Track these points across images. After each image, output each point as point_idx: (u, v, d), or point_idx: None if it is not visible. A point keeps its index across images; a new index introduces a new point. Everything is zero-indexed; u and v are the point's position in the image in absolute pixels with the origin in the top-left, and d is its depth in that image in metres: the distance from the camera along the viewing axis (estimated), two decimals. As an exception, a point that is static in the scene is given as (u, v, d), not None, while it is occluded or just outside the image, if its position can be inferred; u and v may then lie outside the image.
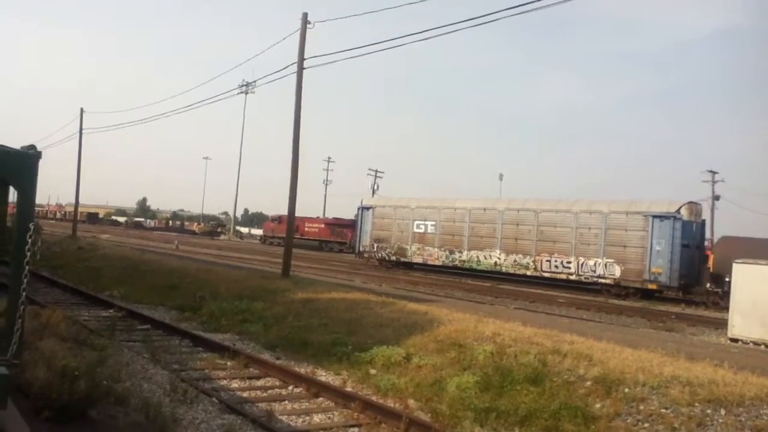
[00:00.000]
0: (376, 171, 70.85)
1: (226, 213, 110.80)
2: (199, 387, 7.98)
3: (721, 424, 6.75)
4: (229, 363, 9.56)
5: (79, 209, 49.07)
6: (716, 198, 57.46)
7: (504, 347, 9.60)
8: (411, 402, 8.00)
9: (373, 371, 9.24)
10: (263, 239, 65.96)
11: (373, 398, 8.13)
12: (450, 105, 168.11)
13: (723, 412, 6.98)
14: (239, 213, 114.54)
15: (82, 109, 39.36)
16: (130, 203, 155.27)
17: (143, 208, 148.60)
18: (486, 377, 8.51)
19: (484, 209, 32.65)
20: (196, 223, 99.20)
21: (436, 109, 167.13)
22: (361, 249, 38.24)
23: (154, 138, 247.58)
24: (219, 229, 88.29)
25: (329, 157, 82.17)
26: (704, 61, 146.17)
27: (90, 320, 12.42)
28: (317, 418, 7.42)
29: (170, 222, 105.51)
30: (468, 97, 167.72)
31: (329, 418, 7.46)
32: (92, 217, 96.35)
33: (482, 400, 7.86)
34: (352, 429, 7.14)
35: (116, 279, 18.83)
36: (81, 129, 39.12)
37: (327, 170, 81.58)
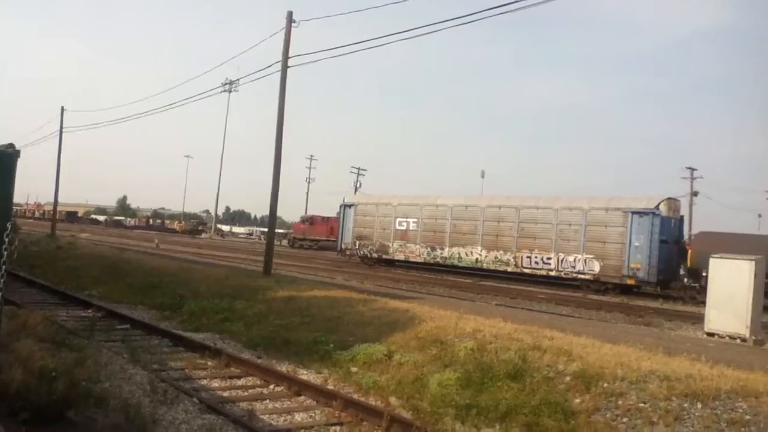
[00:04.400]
0: (359, 169, 70.87)
1: (207, 211, 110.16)
2: (180, 387, 7.94)
3: (697, 418, 6.84)
4: (209, 362, 9.52)
5: (59, 208, 48.41)
6: (695, 194, 58.28)
7: (485, 344, 9.65)
8: (392, 399, 8.02)
9: (354, 369, 9.26)
10: (292, 242, 60.01)
11: (355, 396, 8.15)
12: (434, 103, 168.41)
13: (699, 405, 7.07)
14: (221, 211, 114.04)
15: (63, 108, 38.88)
16: (110, 202, 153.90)
17: (123, 207, 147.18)
18: (467, 374, 8.55)
19: (466, 206, 32.80)
20: (177, 222, 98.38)
21: (420, 107, 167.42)
22: (343, 246, 38.25)
23: (135, 136, 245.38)
24: (200, 228, 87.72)
25: (312, 155, 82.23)
26: (686, 61, 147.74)
27: (68, 320, 12.28)
28: (299, 417, 7.41)
29: (151, 220, 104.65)
30: (453, 95, 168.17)
31: (311, 416, 7.46)
32: (71, 216, 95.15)
33: (463, 396, 7.90)
34: (333, 427, 7.15)
35: (95, 278, 18.65)
36: (61, 127, 38.66)
37: (310, 168, 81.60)
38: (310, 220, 57.62)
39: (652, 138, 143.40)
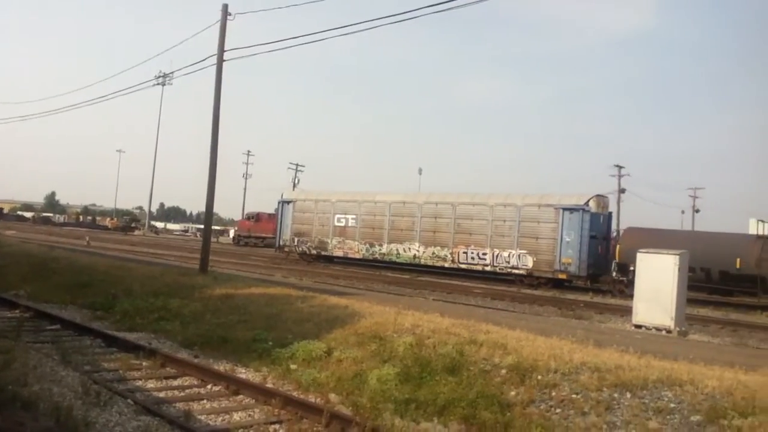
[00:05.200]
0: (297, 165, 70.50)
1: (140, 207, 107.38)
2: (113, 388, 7.72)
3: (626, 407, 7.13)
4: (144, 363, 9.29)
5: (-20, 204, 46.12)
6: (622, 191, 60.66)
7: (423, 339, 9.78)
8: (332, 396, 8.04)
9: (294, 366, 9.22)
10: (237, 239, 58.36)
11: (294, 394, 8.12)
12: (374, 100, 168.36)
13: (628, 395, 7.37)
14: (155, 207, 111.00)
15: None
16: (38, 198, 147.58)
17: (52, 203, 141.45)
18: (406, 369, 8.65)
19: (404, 203, 33.06)
20: (108, 218, 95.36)
21: (360, 104, 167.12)
22: (281, 243, 37.94)
23: (65, 130, 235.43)
24: (133, 224, 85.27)
25: (249, 151, 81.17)
26: (615, 62, 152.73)
27: (-8, 322, 11.74)
28: (237, 416, 7.33)
29: (81, 217, 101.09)
30: (392, 93, 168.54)
31: (250, 415, 7.39)
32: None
33: (402, 391, 8.00)
34: (273, 426, 7.10)
35: (22, 277, 17.85)
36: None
37: (247, 164, 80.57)
38: (255, 217, 56.47)
39: (583, 136, 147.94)
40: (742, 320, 18.86)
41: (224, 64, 18.97)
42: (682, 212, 72.64)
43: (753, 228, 27.25)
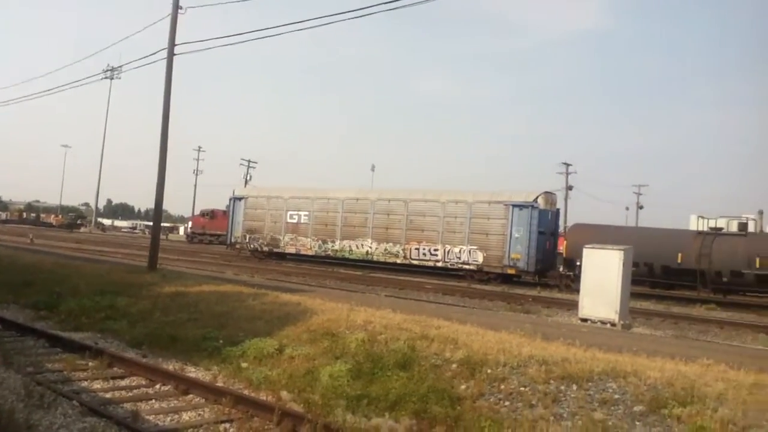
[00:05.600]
0: (249, 161, 69.71)
1: (87, 204, 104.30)
2: (58, 390, 7.52)
3: (573, 399, 7.32)
4: (90, 363, 9.08)
5: None
6: (569, 188, 62.10)
7: (375, 335, 9.84)
8: (284, 394, 8.01)
9: (245, 365, 9.15)
10: (191, 237, 56.84)
11: (245, 392, 8.06)
12: (326, 97, 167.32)
13: (575, 387, 7.57)
14: (102, 204, 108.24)
15: None
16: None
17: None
18: (358, 365, 8.69)
19: (357, 199, 33.09)
20: (53, 215, 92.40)
21: (312, 101, 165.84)
22: (233, 240, 37.54)
23: (6, 124, 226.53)
24: (79, 222, 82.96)
25: (200, 147, 79.87)
26: (563, 61, 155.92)
27: (-73, 323, 11.28)
28: (186, 416, 7.24)
29: (24, 214, 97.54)
30: (344, 90, 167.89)
31: (199, 415, 7.31)
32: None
33: (354, 387, 8.03)
34: (223, 425, 7.04)
35: (-41, 277, 17.18)
36: None
37: (197, 160, 79.31)
38: (210, 214, 55.38)
39: (533, 134, 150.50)
40: (682, 313, 19.53)
41: (175, 58, 18.64)
42: (627, 209, 74.74)
43: (694, 224, 28.19)
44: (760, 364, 8.87)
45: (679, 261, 23.89)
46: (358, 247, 32.44)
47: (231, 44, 25.05)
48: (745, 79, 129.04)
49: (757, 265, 22.13)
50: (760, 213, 33.57)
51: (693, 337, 15.19)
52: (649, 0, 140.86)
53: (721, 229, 25.95)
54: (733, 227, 27.28)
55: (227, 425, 7.03)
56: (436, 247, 29.93)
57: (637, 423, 6.66)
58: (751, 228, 28.09)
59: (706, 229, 25.38)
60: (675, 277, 24.49)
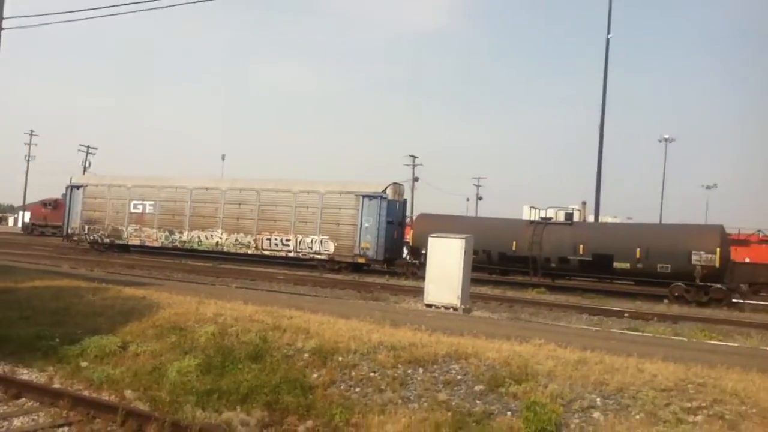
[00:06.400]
0: (88, 147, 65.11)
1: None
2: None
3: (419, 382, 7.72)
4: None
5: None
6: (416, 179, 64.60)
7: (226, 327, 9.71)
8: (128, 392, 7.69)
9: (84, 364, 8.67)
10: (30, 229, 51.70)
11: (85, 393, 7.66)
12: (172, 84, 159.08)
13: (421, 371, 7.98)
14: None
15: None
16: None
17: None
18: (208, 359, 8.55)
19: (206, 189, 32.14)
20: None
21: (157, 87, 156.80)
22: (70, 231, 35.00)
23: None
24: None
25: (32, 131, 73.34)
26: (412, 58, 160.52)
27: None
28: (18, 422, 6.75)
29: None
30: (195, 76, 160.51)
31: (33, 420, 6.84)
32: None
33: (204, 382, 7.90)
34: (60, 429, 6.65)
35: None
36: None
37: (30, 145, 72.95)
38: (53, 204, 50.58)
39: (383, 126, 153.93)
40: (517, 297, 20.99)
41: (3, 33, 16.90)
42: (467, 200, 79.12)
43: (526, 214, 30.24)
44: (583, 342, 9.83)
45: (513, 248, 25.51)
46: (207, 238, 31.55)
47: (66, 21, 23.22)
48: (573, 82, 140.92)
49: (581, 252, 24.24)
50: (584, 204, 36.90)
51: (526, 318, 16.38)
52: (493, 5, 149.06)
53: (550, 218, 27.78)
54: (561, 217, 29.41)
55: (65, 429, 6.66)
56: (288, 238, 29.85)
57: (478, 402, 7.17)
58: (576, 217, 30.71)
59: (537, 218, 27.09)
60: (510, 263, 26.15)
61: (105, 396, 7.64)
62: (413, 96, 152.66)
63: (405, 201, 32.56)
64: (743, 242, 29.86)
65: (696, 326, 15.59)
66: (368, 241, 28.14)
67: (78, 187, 35.15)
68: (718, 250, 21.82)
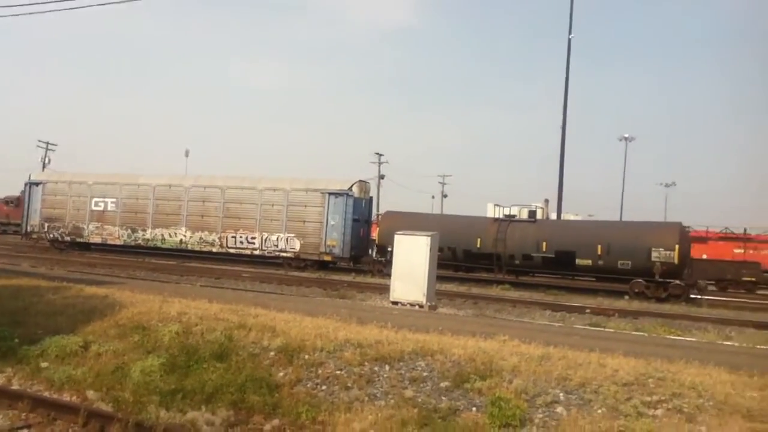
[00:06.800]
0: (48, 143, 63.55)
1: None
2: None
3: (386, 379, 7.76)
4: None
5: None
6: (382, 177, 64.69)
7: (190, 326, 9.63)
8: (90, 393, 7.58)
9: (45, 364, 8.49)
10: None
11: (46, 394, 7.52)
12: (137, 79, 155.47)
13: (387, 368, 8.03)
14: None
15: None
16: None
17: None
18: (172, 358, 8.46)
19: (170, 186, 31.71)
20: None
21: (123, 82, 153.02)
22: (29, 229, 34.26)
23: None
24: None
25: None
26: (380, 56, 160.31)
27: None
28: (-24, 425, 6.60)
29: None
30: (158, 72, 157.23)
31: (-9, 422, 6.70)
32: None
33: (168, 382, 7.81)
34: (20, 431, 6.52)
35: None
36: None
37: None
38: (15, 202, 49.18)
39: (349, 124, 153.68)
40: (482, 294, 21.19)
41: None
42: (433, 197, 79.42)
43: (491, 212, 30.50)
44: (546, 338, 10.01)
45: (478, 246, 25.73)
46: (171, 236, 31.13)
47: (30, 13, 22.60)
48: (539, 80, 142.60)
49: (544, 249, 24.57)
50: (546, 201, 37.43)
51: (491, 315, 16.53)
52: (462, 4, 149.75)
53: (514, 216, 28.07)
54: (524, 215, 29.77)
55: (25, 431, 6.52)
56: (253, 235, 29.62)
57: (443, 398, 7.24)
58: (539, 215, 31.13)
59: (501, 216, 27.34)
60: (475, 260, 26.35)
61: (66, 397, 7.52)
62: (379, 94, 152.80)
63: (371, 198, 32.58)
64: (702, 239, 30.66)
65: (656, 322, 15.97)
66: (334, 239, 28.10)
67: (37, 184, 34.41)
68: (676, 246, 22.34)
